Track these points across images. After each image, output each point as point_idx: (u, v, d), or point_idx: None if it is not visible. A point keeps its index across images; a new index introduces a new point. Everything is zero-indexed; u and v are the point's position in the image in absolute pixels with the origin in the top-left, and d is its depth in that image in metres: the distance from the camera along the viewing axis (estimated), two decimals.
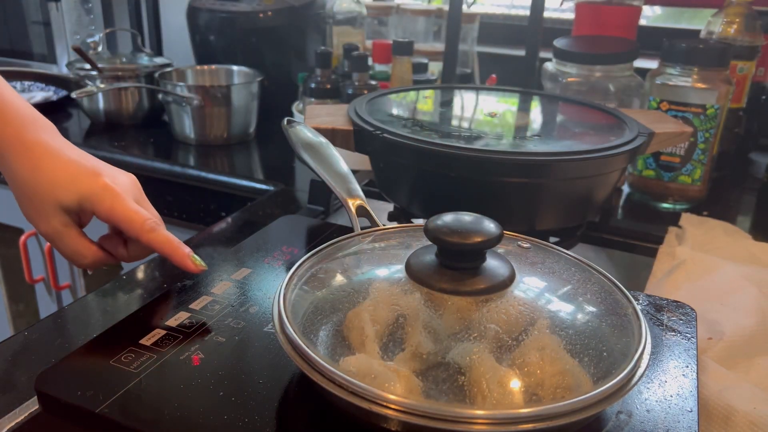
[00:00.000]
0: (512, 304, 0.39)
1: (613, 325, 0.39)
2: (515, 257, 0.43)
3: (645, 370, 0.35)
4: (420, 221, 0.64)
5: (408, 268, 0.40)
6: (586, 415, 0.32)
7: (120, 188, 0.51)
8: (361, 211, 0.52)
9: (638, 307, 0.40)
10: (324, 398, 0.36)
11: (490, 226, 0.39)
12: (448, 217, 0.39)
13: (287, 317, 0.37)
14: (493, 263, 0.40)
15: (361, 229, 0.50)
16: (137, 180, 0.54)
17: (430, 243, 0.40)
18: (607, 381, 0.33)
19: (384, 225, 0.50)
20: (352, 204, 0.53)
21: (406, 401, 0.31)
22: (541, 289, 0.43)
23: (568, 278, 0.44)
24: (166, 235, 0.51)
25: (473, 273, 0.39)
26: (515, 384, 0.34)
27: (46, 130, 0.52)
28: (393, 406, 0.31)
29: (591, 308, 0.41)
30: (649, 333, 0.37)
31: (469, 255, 0.39)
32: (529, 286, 0.42)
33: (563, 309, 0.42)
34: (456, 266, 0.39)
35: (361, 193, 0.54)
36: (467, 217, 0.40)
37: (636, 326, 0.38)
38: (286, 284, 0.40)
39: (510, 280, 0.39)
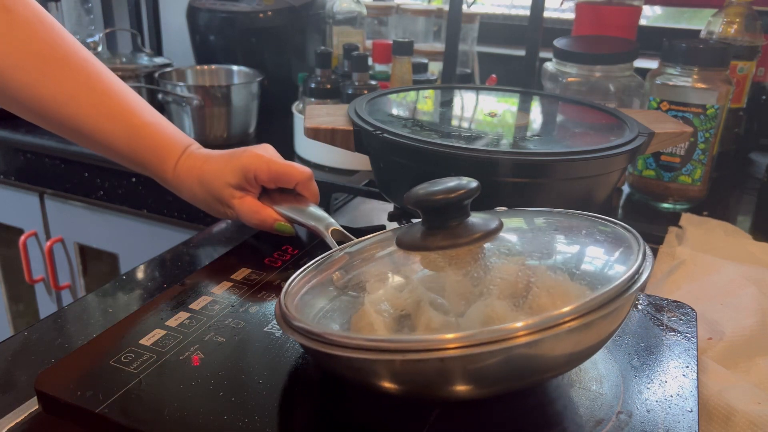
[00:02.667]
0: (511, 254, 0.40)
1: (605, 243, 0.41)
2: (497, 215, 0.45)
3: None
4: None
5: (399, 242, 0.42)
6: (626, 301, 0.33)
7: (266, 154, 0.60)
8: (337, 235, 0.55)
9: (624, 224, 0.41)
10: (335, 399, 0.36)
11: (464, 180, 0.41)
12: (424, 185, 0.41)
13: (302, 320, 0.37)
14: (477, 217, 0.41)
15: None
16: (272, 147, 0.63)
17: (406, 230, 0.41)
18: (622, 275, 0.34)
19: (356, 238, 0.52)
20: (329, 232, 0.56)
21: (463, 334, 0.31)
22: (531, 229, 0.45)
23: (550, 218, 0.45)
24: (316, 186, 0.62)
25: (462, 227, 0.40)
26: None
27: (193, 144, 0.63)
28: (452, 345, 0.31)
29: (583, 239, 0.42)
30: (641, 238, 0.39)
31: (454, 209, 0.40)
32: (519, 228, 0.44)
33: (559, 246, 0.43)
34: (444, 224, 0.40)
35: (333, 221, 0.57)
36: (441, 181, 0.41)
37: (631, 238, 0.39)
38: (284, 297, 0.40)
39: (500, 226, 0.41)
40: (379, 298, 0.39)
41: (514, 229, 0.43)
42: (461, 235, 0.39)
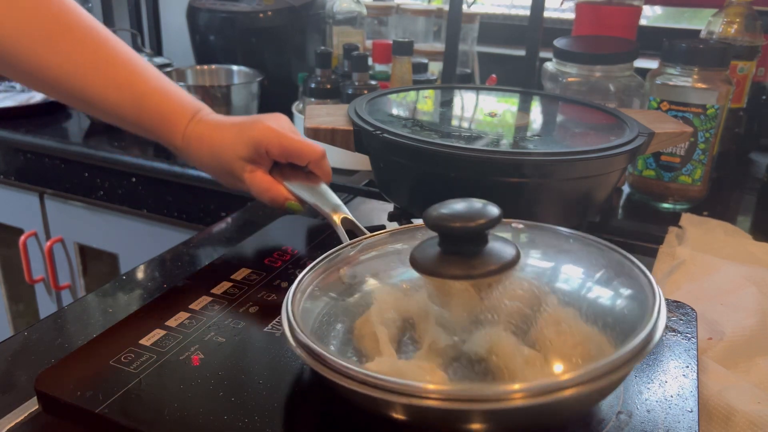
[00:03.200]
0: (524, 280, 0.39)
1: (623, 286, 0.40)
2: (513, 237, 0.44)
3: (665, 323, 0.35)
4: (419, 221, 0.64)
5: (413, 261, 0.40)
6: (621, 373, 0.32)
7: (279, 128, 0.59)
8: (347, 223, 0.54)
9: (642, 266, 0.40)
10: (335, 400, 0.36)
11: (488, 207, 0.39)
12: (445, 205, 0.39)
13: (308, 335, 0.36)
14: (495, 244, 0.40)
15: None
16: (287, 117, 0.62)
17: (422, 240, 0.40)
18: (632, 338, 0.33)
19: (368, 233, 0.51)
20: (337, 218, 0.55)
21: (463, 389, 0.31)
22: (548, 263, 0.44)
23: (569, 249, 0.44)
24: (329, 165, 0.61)
25: (479, 256, 0.39)
26: (540, 361, 0.35)
27: (203, 109, 0.61)
28: (452, 396, 0.31)
29: (598, 275, 0.42)
30: (659, 289, 0.37)
31: (472, 238, 0.39)
32: (537, 261, 0.43)
33: (573, 279, 0.42)
34: (461, 251, 0.39)
35: (344, 208, 0.56)
36: (463, 202, 0.39)
37: (645, 284, 0.38)
38: (291, 301, 0.40)
39: (517, 257, 0.39)
40: (385, 303, 0.39)
41: (530, 253, 0.42)
42: (477, 266, 0.38)
